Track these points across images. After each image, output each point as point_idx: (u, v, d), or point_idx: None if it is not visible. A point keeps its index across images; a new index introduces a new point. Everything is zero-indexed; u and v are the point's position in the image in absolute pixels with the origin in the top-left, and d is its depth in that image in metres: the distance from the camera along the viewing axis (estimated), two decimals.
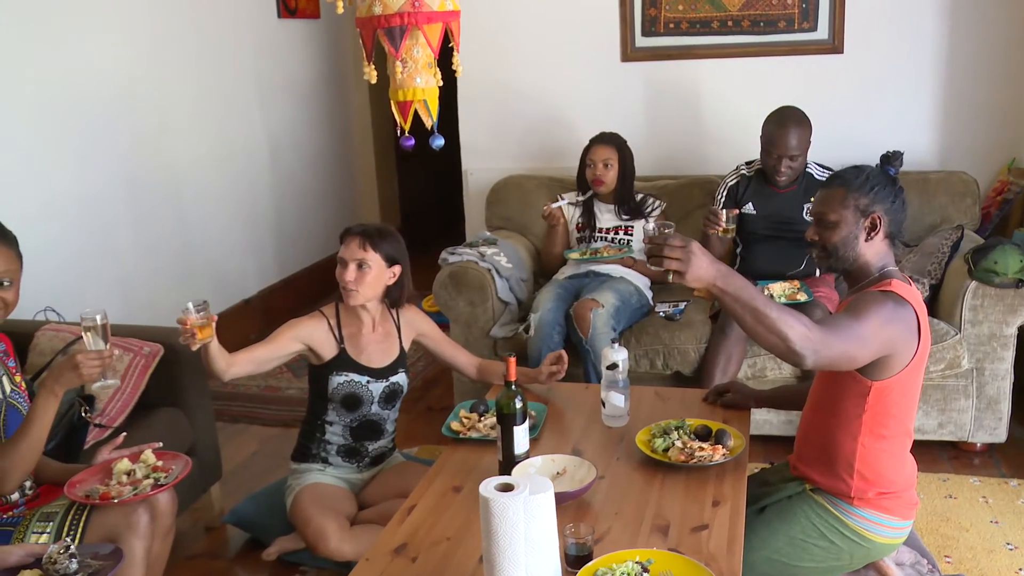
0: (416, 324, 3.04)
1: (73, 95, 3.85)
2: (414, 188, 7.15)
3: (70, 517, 2.22)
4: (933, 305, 3.51)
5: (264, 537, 3.05)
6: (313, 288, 5.61)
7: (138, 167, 4.27)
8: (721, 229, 3.44)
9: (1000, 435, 3.41)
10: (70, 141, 3.86)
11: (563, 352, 2.90)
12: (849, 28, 4.18)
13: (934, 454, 3.46)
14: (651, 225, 2.27)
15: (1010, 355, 3.33)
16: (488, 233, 4.13)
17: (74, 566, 1.86)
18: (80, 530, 2.20)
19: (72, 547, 1.88)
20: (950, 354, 3.31)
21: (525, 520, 1.78)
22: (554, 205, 3.93)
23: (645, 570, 1.93)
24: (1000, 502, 3.08)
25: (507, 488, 1.81)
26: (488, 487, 1.80)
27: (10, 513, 2.27)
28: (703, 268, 2.05)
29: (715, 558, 2.03)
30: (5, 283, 2.23)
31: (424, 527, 2.23)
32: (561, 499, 2.22)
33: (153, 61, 4.34)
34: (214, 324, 2.41)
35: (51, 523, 2.21)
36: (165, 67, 4.43)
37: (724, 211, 3.45)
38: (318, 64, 5.91)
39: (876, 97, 4.22)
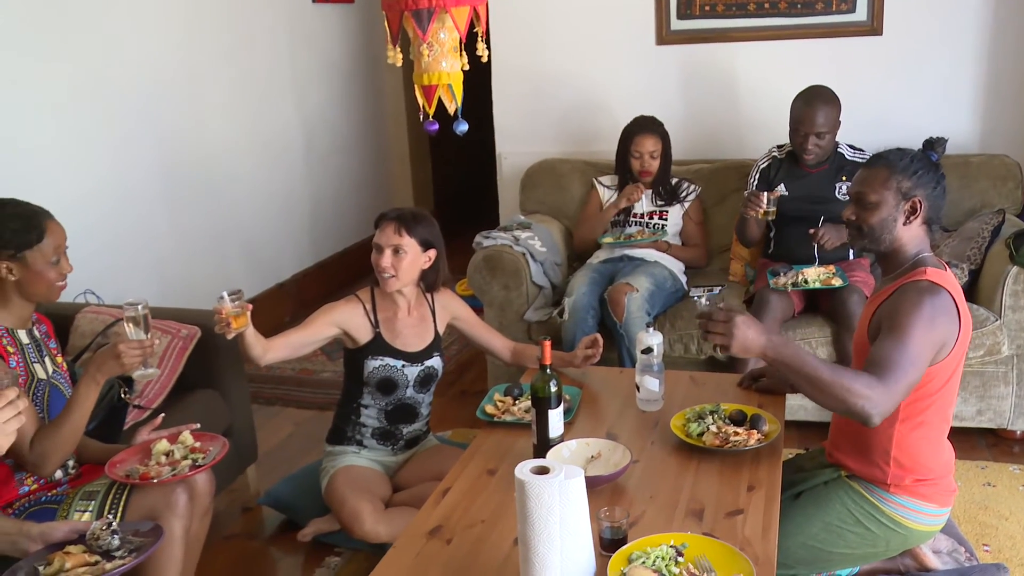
0: (451, 308, 3.05)
1: (111, 86, 3.89)
2: (448, 173, 7.16)
3: (111, 496, 2.26)
4: (973, 291, 3.46)
5: (299, 519, 3.09)
6: (347, 272, 5.64)
7: (175, 154, 4.31)
8: (761, 212, 3.43)
9: None
10: (109, 130, 3.90)
11: (598, 336, 2.89)
12: (888, 9, 4.11)
13: (973, 441, 3.42)
14: (703, 300, 2.30)
15: None
16: (522, 217, 4.13)
17: (116, 542, 1.90)
18: (121, 509, 2.23)
19: (114, 524, 1.92)
20: (990, 340, 3.26)
21: (560, 503, 1.78)
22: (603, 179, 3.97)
23: (679, 554, 1.93)
24: None
25: (543, 471, 1.81)
26: (524, 470, 1.81)
27: (54, 491, 2.32)
28: (750, 339, 2.11)
29: (750, 543, 2.02)
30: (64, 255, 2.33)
31: (459, 510, 2.24)
32: (596, 483, 2.23)
33: (188, 50, 4.37)
34: (249, 313, 2.44)
35: (93, 501, 2.25)
36: (200, 55, 4.46)
37: (765, 193, 3.43)
38: (352, 49, 5.92)
39: (916, 80, 4.16)
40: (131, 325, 2.27)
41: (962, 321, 2.22)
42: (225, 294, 2.40)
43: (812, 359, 2.13)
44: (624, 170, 3.99)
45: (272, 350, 2.68)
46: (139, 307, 2.28)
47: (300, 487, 3.16)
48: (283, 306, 5.11)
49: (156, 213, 4.20)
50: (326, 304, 2.90)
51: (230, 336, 2.44)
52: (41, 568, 1.83)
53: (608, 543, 2.00)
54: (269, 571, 3.00)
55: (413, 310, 2.95)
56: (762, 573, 1.90)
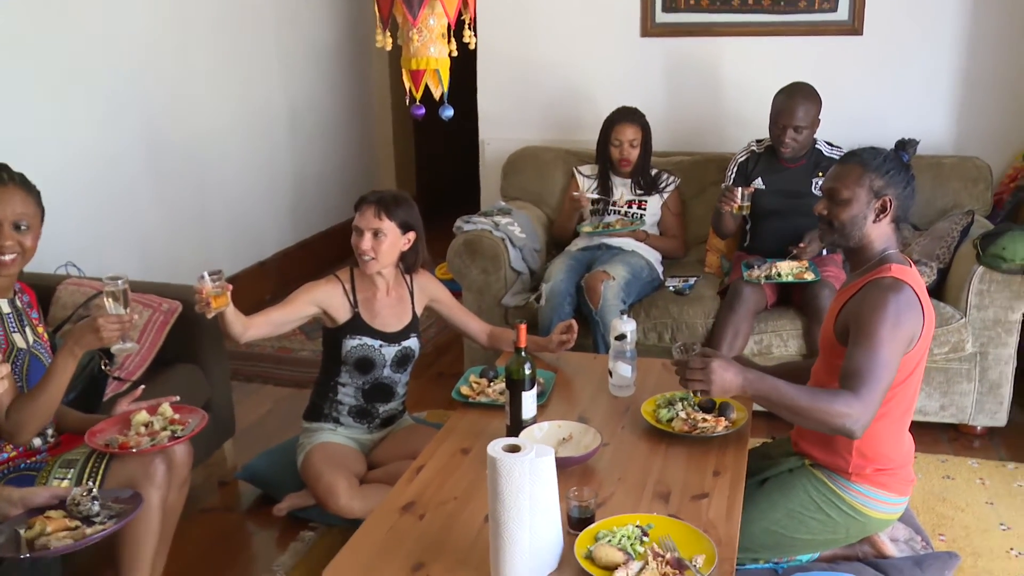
0: (429, 290, 3.10)
1: (98, 59, 3.89)
2: (431, 157, 7.19)
3: (90, 464, 2.30)
4: (940, 289, 3.55)
5: (275, 493, 3.13)
6: (329, 252, 5.67)
7: (160, 129, 4.32)
8: (736, 206, 3.50)
9: (1001, 419, 3.45)
10: (95, 103, 3.91)
11: (573, 322, 2.95)
12: (869, 10, 4.18)
13: (935, 436, 3.50)
14: (675, 348, 2.36)
15: (1014, 340, 3.37)
16: (503, 203, 4.17)
17: (96, 508, 1.94)
18: (99, 477, 2.27)
19: (95, 491, 1.96)
20: (954, 337, 3.35)
21: (530, 481, 1.84)
22: (587, 194, 3.99)
23: (644, 534, 2.00)
24: (997, 484, 3.14)
25: (514, 449, 1.87)
26: (496, 448, 1.87)
27: (33, 459, 2.35)
28: (727, 381, 2.19)
29: (714, 525, 2.09)
30: (23, 226, 2.28)
31: (432, 486, 2.30)
32: (566, 464, 2.29)
33: (176, 25, 4.37)
34: (229, 292, 2.48)
35: (72, 470, 2.28)
36: (187, 31, 4.46)
37: (740, 189, 3.50)
38: (338, 30, 5.93)
39: (893, 80, 4.23)
40: (110, 300, 2.29)
41: (925, 315, 2.29)
42: (205, 274, 2.43)
43: (788, 389, 2.20)
44: (604, 159, 4.04)
45: (252, 328, 2.72)
46: (119, 282, 2.29)
47: (277, 462, 3.20)
48: (264, 284, 5.13)
49: (140, 187, 4.21)
50: (306, 283, 2.94)
51: (210, 315, 2.47)
52: (22, 531, 1.87)
53: (576, 522, 2.07)
54: (244, 544, 3.04)
55: (392, 291, 3.00)
56: (724, 554, 1.97)
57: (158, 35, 4.25)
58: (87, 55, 3.84)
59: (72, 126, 3.79)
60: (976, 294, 3.33)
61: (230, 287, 2.48)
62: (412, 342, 3.02)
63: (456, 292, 3.45)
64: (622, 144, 3.95)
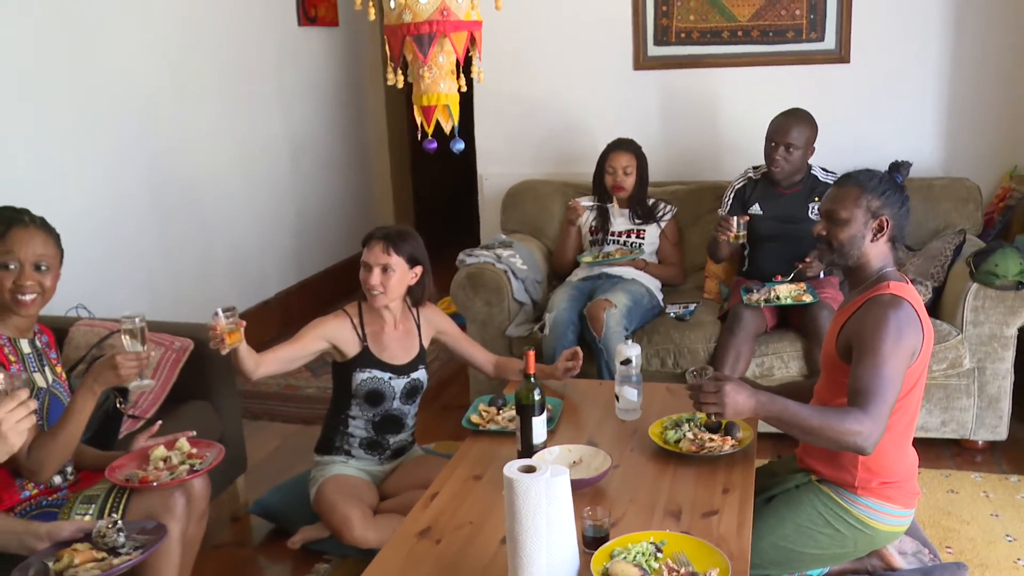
0: (435, 322, 3.15)
1: (105, 105, 3.98)
2: (428, 192, 7.27)
3: (111, 500, 2.34)
4: (936, 307, 3.61)
5: (288, 526, 3.17)
6: (332, 290, 5.73)
7: (164, 172, 4.40)
8: (732, 235, 3.57)
9: (1001, 433, 3.51)
10: (102, 148, 3.99)
11: (578, 349, 3.01)
12: (856, 39, 4.29)
13: (937, 452, 3.55)
14: (689, 373, 2.42)
15: (1010, 355, 3.43)
16: (504, 236, 4.24)
17: (122, 539, 1.98)
18: (120, 512, 2.31)
19: (120, 523, 2.00)
20: (952, 354, 3.41)
21: (547, 500, 1.88)
22: (581, 200, 4.06)
23: (659, 550, 2.04)
24: (1000, 497, 3.18)
25: (529, 470, 1.92)
26: (512, 469, 1.92)
27: (54, 496, 2.39)
28: (740, 404, 2.25)
29: (725, 540, 2.13)
30: (43, 267, 2.35)
31: (447, 512, 2.34)
32: (578, 485, 2.33)
33: (179, 70, 4.47)
34: (242, 329, 2.53)
35: (93, 505, 2.32)
36: (190, 75, 4.56)
37: (735, 218, 3.58)
38: (336, 70, 6.04)
39: (882, 106, 4.33)
40: (128, 337, 2.35)
41: (925, 329, 2.36)
42: (219, 310, 2.48)
43: (798, 409, 2.26)
44: (601, 189, 4.12)
45: (263, 364, 2.76)
46: (136, 320, 2.35)
47: (288, 496, 3.24)
48: (269, 324, 5.19)
49: (146, 229, 4.28)
50: (315, 319, 3.00)
51: (224, 351, 2.52)
52: (51, 564, 1.92)
53: (591, 541, 2.11)
54: None
55: (399, 324, 3.05)
56: (737, 568, 2.01)
57: (161, 79, 4.34)
58: (93, 99, 3.92)
59: (80, 169, 3.87)
60: (971, 310, 3.40)
61: (243, 323, 2.53)
62: (420, 374, 3.07)
63: (461, 326, 3.51)
64: (616, 171, 4.03)
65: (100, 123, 3.96)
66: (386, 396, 2.99)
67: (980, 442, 3.55)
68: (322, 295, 5.69)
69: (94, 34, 3.90)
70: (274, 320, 5.26)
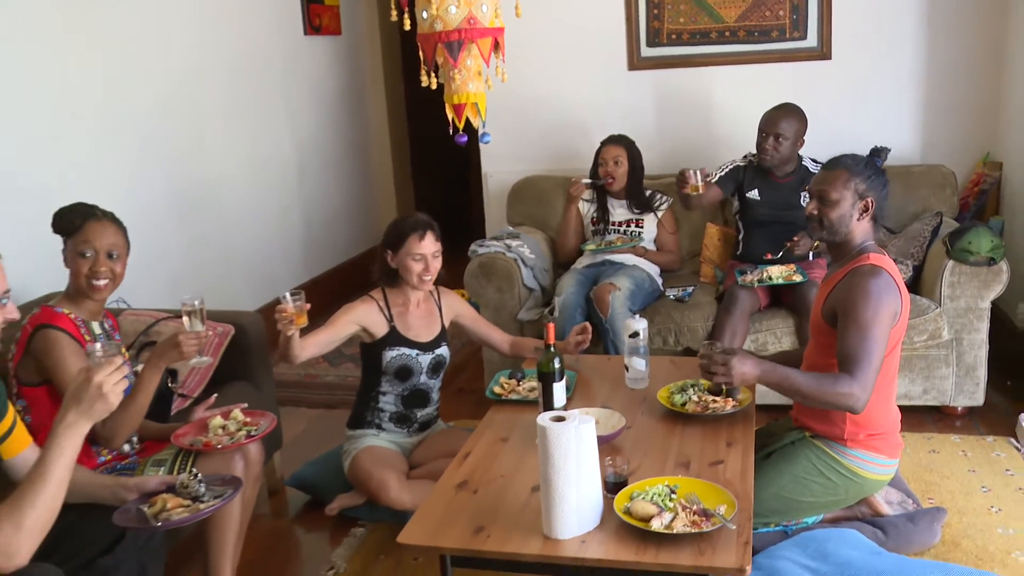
0: (455, 306, 3.42)
1: (127, 115, 4.20)
2: (429, 195, 7.53)
3: (178, 462, 2.60)
4: (916, 284, 3.89)
5: (322, 497, 3.42)
6: (340, 287, 5.96)
7: (181, 177, 4.63)
8: (691, 187, 3.83)
9: (978, 399, 3.78)
10: (125, 156, 4.21)
11: (587, 324, 3.26)
12: (836, 37, 4.58)
13: (920, 418, 3.83)
14: (703, 345, 2.68)
15: (985, 326, 3.70)
16: (511, 228, 4.51)
17: (203, 489, 2.24)
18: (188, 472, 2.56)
19: (199, 475, 2.26)
20: (932, 326, 3.69)
21: (576, 444, 2.15)
22: (583, 180, 4.33)
23: (673, 492, 2.30)
24: (977, 455, 3.46)
25: (559, 420, 2.18)
26: (545, 419, 2.18)
27: (125, 461, 2.66)
28: (746, 372, 2.56)
29: (731, 483, 2.40)
30: (114, 254, 2.63)
31: (480, 468, 2.60)
32: (597, 442, 2.59)
33: (192, 79, 4.70)
34: (306, 311, 2.78)
35: (162, 467, 2.58)
36: (203, 84, 4.79)
37: (692, 170, 3.82)
38: (340, 78, 6.29)
39: (862, 99, 4.62)
40: (188, 318, 2.60)
41: (902, 294, 2.64)
42: (288, 294, 2.74)
43: (797, 376, 2.57)
44: (597, 179, 4.38)
45: (305, 349, 3.02)
46: (196, 302, 2.61)
47: (322, 469, 3.50)
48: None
49: (168, 232, 4.51)
50: (344, 306, 3.25)
51: (290, 332, 2.77)
52: (145, 508, 2.17)
53: (612, 486, 2.37)
54: (298, 545, 3.31)
55: (421, 304, 3.31)
56: (742, 504, 2.28)
57: (177, 88, 4.57)
58: (118, 114, 4.14)
59: (107, 177, 4.08)
60: (948, 286, 3.68)
61: (308, 306, 2.77)
62: (444, 350, 3.33)
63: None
64: (607, 162, 4.30)
65: (123, 134, 4.19)
66: (414, 371, 3.24)
67: (959, 408, 3.83)
68: (331, 293, 5.91)
69: (118, 49, 4.12)
70: None
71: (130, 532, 2.22)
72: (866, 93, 4.62)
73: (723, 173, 4.15)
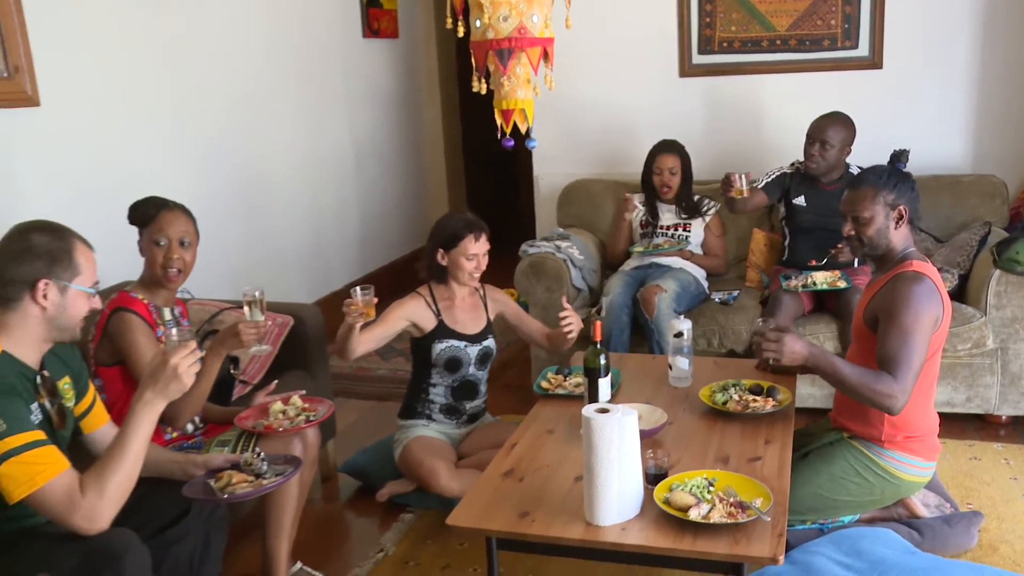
0: (499, 301, 3.53)
1: (195, 110, 4.39)
2: (479, 195, 7.67)
3: (240, 443, 2.75)
4: (962, 292, 3.92)
5: (373, 483, 3.55)
6: (393, 284, 6.10)
7: (245, 172, 4.81)
8: (735, 190, 3.90)
9: (1023, 408, 3.81)
10: (193, 154, 4.40)
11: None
12: (888, 46, 4.62)
13: (963, 426, 3.86)
14: (758, 322, 2.78)
15: None
16: (561, 229, 4.61)
17: (265, 467, 2.38)
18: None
19: (262, 453, 2.40)
20: (976, 335, 3.72)
21: (619, 435, 2.25)
22: (634, 197, 4.42)
23: (711, 484, 2.39)
24: (1020, 463, 3.49)
25: (604, 411, 2.28)
26: (590, 410, 2.29)
27: (191, 440, 2.82)
28: (796, 351, 2.64)
29: (767, 479, 2.48)
30: (186, 242, 2.78)
31: (527, 458, 2.71)
32: (639, 437, 2.68)
33: (258, 79, 4.88)
34: (374, 305, 2.91)
35: (226, 447, 2.73)
36: (267, 84, 4.97)
37: (738, 175, 3.89)
38: (396, 79, 6.45)
39: (912, 108, 4.65)
40: (250, 307, 2.74)
41: (944, 301, 2.70)
42: (358, 289, 2.90)
43: (842, 366, 2.63)
44: (649, 187, 4.47)
45: (361, 344, 3.16)
46: (256, 293, 2.75)
47: (374, 457, 3.63)
48: (336, 314, 5.53)
49: (230, 225, 4.69)
50: (394, 303, 3.38)
51: (359, 324, 2.92)
52: (212, 483, 2.32)
53: (652, 478, 2.46)
54: (349, 529, 3.45)
55: (467, 299, 3.43)
56: (778, 498, 2.36)
57: (243, 89, 4.75)
58: (187, 112, 4.33)
59: (177, 172, 4.27)
60: (994, 295, 3.71)
61: (376, 300, 2.91)
62: (490, 342, 3.45)
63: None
64: (663, 172, 4.39)
65: (192, 133, 4.37)
66: (463, 362, 3.36)
67: (1004, 417, 3.85)
68: (384, 289, 6.05)
69: (189, 54, 4.31)
70: (340, 312, 5.62)
71: (196, 506, 2.37)
72: (916, 103, 4.65)
73: (770, 179, 4.21)
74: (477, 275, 3.31)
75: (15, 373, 2.11)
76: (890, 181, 2.77)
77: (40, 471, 1.99)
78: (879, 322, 2.71)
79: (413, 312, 3.35)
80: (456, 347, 3.35)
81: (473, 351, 3.38)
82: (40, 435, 2.04)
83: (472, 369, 3.40)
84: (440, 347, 3.35)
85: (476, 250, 3.28)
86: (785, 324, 3.78)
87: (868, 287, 2.90)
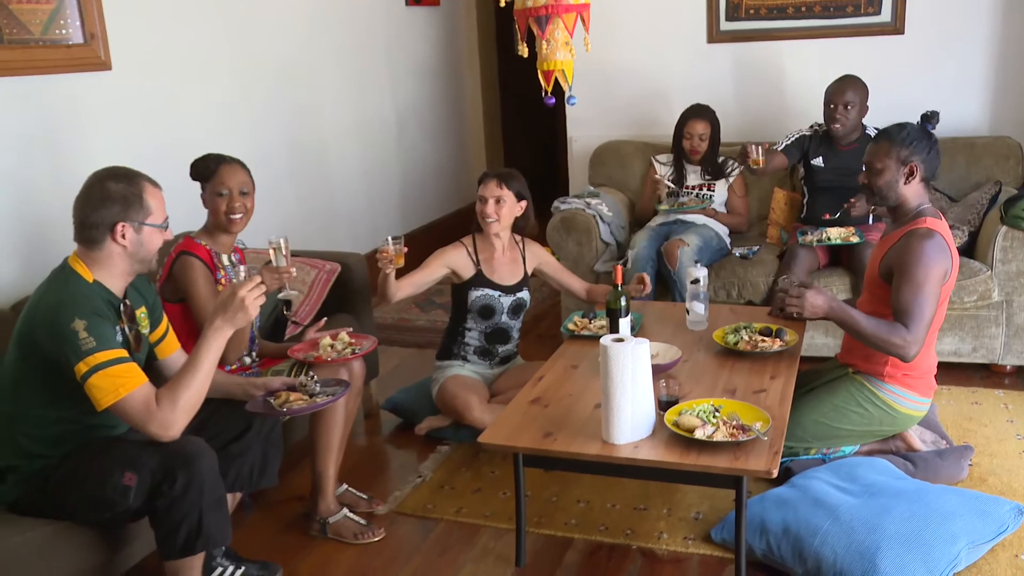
0: (538, 255, 3.79)
1: (251, 76, 4.69)
2: (518, 159, 7.92)
3: (293, 372, 3.05)
4: (971, 248, 4.12)
5: (413, 419, 3.85)
6: (432, 243, 6.36)
7: (295, 133, 5.11)
8: (752, 160, 4.11)
9: None
10: (248, 112, 4.70)
11: (645, 275, 3.55)
12: (910, 12, 4.77)
13: (968, 374, 4.07)
14: (782, 279, 3.05)
15: None
16: (592, 188, 4.86)
17: (318, 388, 2.68)
18: None
19: (315, 376, 2.70)
20: (983, 287, 3.92)
21: (632, 362, 2.51)
22: (664, 178, 4.67)
23: (716, 410, 2.65)
24: (1019, 408, 3.70)
25: (619, 341, 2.55)
26: (607, 340, 2.55)
27: (248, 371, 3.12)
28: (817, 304, 2.89)
29: (769, 408, 2.73)
30: (245, 190, 3.07)
31: (552, 388, 2.99)
32: (656, 370, 2.94)
33: (307, 46, 5.16)
34: (404, 253, 3.19)
35: (281, 376, 3.03)
36: (316, 51, 5.25)
37: (754, 145, 4.10)
38: (438, 47, 6.71)
39: (933, 72, 4.81)
40: (274, 253, 2.97)
41: (953, 255, 2.92)
42: (389, 238, 3.18)
43: (860, 317, 2.87)
44: (679, 149, 4.70)
45: (401, 289, 3.44)
46: (281, 240, 2.94)
47: (414, 395, 3.93)
48: (378, 269, 5.87)
49: (282, 181, 4.99)
50: (437, 250, 3.66)
51: (389, 271, 3.21)
52: (272, 400, 2.63)
53: (664, 404, 2.73)
54: (390, 459, 3.76)
55: (507, 251, 3.69)
56: (776, 424, 2.61)
57: (294, 55, 5.04)
58: (243, 74, 4.63)
59: (234, 130, 4.57)
60: (1000, 250, 3.90)
61: (406, 249, 3.19)
62: (524, 294, 3.71)
63: None
64: (693, 137, 4.61)
65: (247, 92, 4.67)
66: (496, 311, 3.64)
67: (1008, 366, 4.05)
68: (424, 248, 6.32)
69: (242, 21, 4.60)
70: None
71: (256, 423, 2.67)
72: (937, 67, 4.81)
73: (789, 142, 4.41)
74: (489, 219, 3.52)
75: (103, 300, 2.42)
76: (908, 138, 2.97)
77: (123, 383, 2.30)
78: (893, 275, 2.93)
79: (453, 260, 3.62)
80: (491, 296, 3.62)
81: (507, 301, 3.64)
82: (123, 352, 2.35)
83: (504, 318, 3.67)
84: (476, 294, 3.62)
85: (484, 192, 3.53)
86: (801, 277, 4.03)
87: (883, 240, 3.11)
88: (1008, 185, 4.37)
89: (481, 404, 3.50)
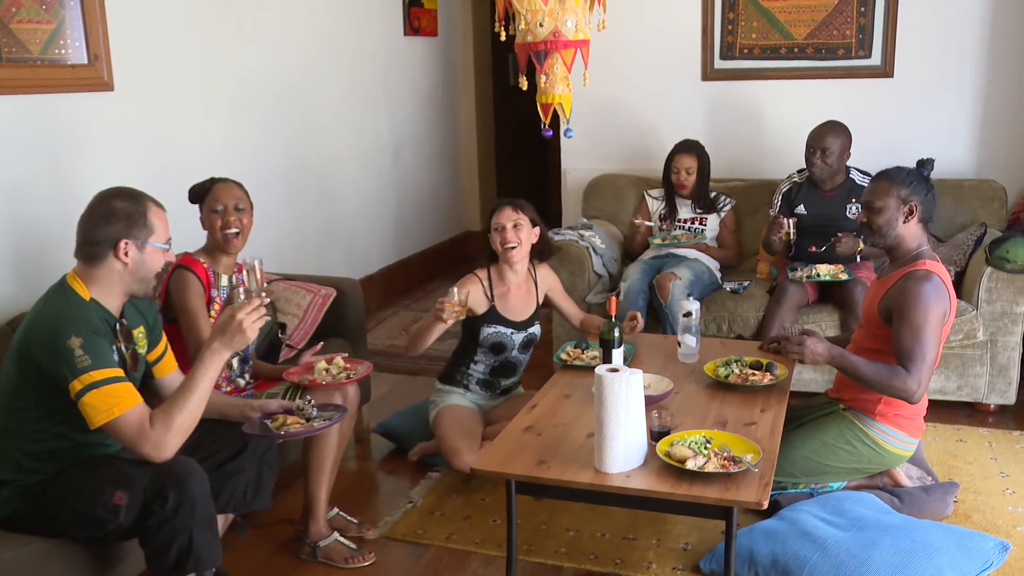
0: (548, 280, 3.80)
1: (251, 97, 4.75)
2: (511, 188, 7.98)
3: (288, 396, 3.07)
4: (957, 288, 4.18)
5: (404, 445, 3.87)
6: (424, 271, 6.45)
7: (294, 156, 5.16)
8: (784, 233, 4.18)
9: (1010, 398, 4.07)
10: (248, 132, 4.76)
11: (638, 313, 3.61)
12: (899, 56, 4.88)
13: (953, 412, 4.12)
14: (785, 326, 3.11)
15: (1019, 330, 3.98)
16: (585, 220, 4.92)
17: (315, 412, 2.71)
18: None
19: (312, 400, 2.73)
20: (968, 327, 3.98)
21: (626, 392, 2.55)
22: (645, 223, 4.73)
23: (708, 441, 2.68)
24: (1002, 447, 3.75)
25: (614, 371, 2.59)
26: (602, 370, 2.59)
27: (243, 393, 3.14)
28: (817, 352, 2.95)
29: (759, 440, 2.76)
30: (240, 206, 3.12)
31: (545, 416, 3.01)
32: (648, 401, 2.97)
33: (307, 71, 5.23)
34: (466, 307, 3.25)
35: (276, 399, 3.05)
36: (316, 75, 5.32)
37: (787, 220, 4.18)
38: (435, 76, 6.79)
39: (921, 115, 4.91)
40: (248, 275, 2.96)
41: (951, 298, 2.98)
42: (455, 289, 3.21)
43: (861, 364, 2.92)
44: (668, 183, 4.77)
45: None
46: (255, 262, 2.91)
47: (407, 420, 3.95)
48: (371, 296, 5.91)
49: (279, 203, 5.03)
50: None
51: (450, 322, 3.23)
52: (269, 422, 2.65)
53: (656, 435, 2.75)
54: (381, 484, 3.77)
55: (522, 285, 3.70)
56: (767, 456, 2.65)
57: (294, 79, 5.11)
58: (243, 95, 4.69)
59: (233, 151, 4.62)
60: (985, 290, 3.97)
61: (466, 306, 3.24)
62: (535, 329, 3.72)
63: None
64: (680, 171, 4.69)
65: (246, 113, 4.73)
66: (507, 347, 3.65)
67: (992, 405, 4.11)
68: (417, 274, 6.41)
69: (245, 46, 4.67)
70: (376, 293, 5.99)
71: (252, 444, 2.69)
72: (925, 109, 4.91)
73: (779, 203, 4.49)
74: (512, 246, 3.50)
75: (100, 318, 2.44)
76: (907, 179, 3.04)
77: (117, 403, 2.32)
78: (892, 318, 2.97)
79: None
80: (503, 333, 3.62)
81: (518, 338, 3.66)
82: (119, 372, 2.37)
83: (515, 353, 3.68)
84: (488, 331, 3.61)
85: (501, 220, 3.53)
86: (790, 312, 4.09)
87: (881, 280, 3.15)
88: (993, 227, 4.45)
89: (470, 451, 3.44)
